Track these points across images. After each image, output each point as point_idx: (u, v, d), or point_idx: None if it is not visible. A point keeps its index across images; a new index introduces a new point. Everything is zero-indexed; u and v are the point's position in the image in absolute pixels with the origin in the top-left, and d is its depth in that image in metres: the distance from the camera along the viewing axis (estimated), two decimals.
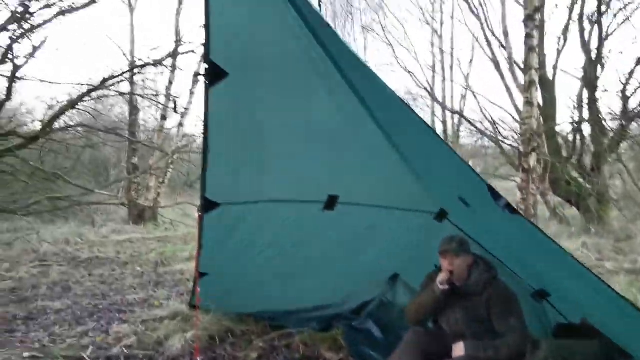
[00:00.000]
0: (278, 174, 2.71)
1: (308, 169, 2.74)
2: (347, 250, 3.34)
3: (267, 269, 3.26)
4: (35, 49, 6.52)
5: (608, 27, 10.10)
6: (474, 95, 13.21)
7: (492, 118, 12.28)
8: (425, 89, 14.20)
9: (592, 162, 10.00)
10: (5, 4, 6.43)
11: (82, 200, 8.98)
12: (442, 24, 15.27)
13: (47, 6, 6.63)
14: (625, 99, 9.79)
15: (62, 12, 6.89)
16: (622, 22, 10.07)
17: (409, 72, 13.79)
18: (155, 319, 3.51)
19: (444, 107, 14.59)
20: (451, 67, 15.20)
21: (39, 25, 6.68)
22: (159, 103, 10.97)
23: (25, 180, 7.70)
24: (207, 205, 2.69)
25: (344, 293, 3.65)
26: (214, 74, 2.14)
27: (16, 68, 6.48)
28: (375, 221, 3.21)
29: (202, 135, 2.41)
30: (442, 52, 15.15)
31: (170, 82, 11.61)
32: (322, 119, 2.56)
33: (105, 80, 7.56)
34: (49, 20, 6.69)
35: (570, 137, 10.96)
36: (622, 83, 9.86)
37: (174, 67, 10.80)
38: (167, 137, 13.10)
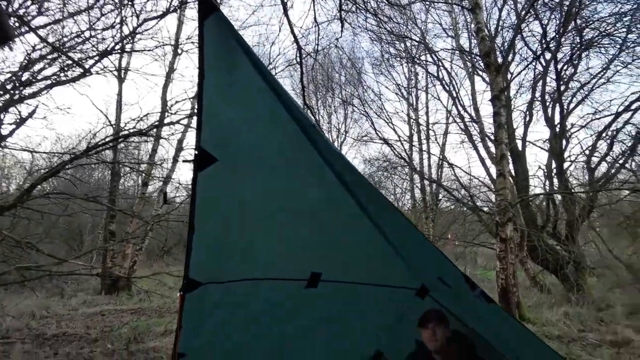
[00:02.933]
0: (261, 253, 2.75)
1: (291, 248, 2.79)
2: (330, 328, 3.28)
3: (248, 348, 3.16)
4: (22, 119, 6.61)
5: (569, 104, 10.98)
6: (450, 166, 13.78)
7: (468, 186, 12.72)
8: (404, 158, 14.77)
9: (566, 230, 10.31)
10: None
11: (54, 270, 8.60)
12: (417, 98, 16.27)
13: (41, 79, 6.83)
14: (590, 170, 10.38)
15: (55, 84, 7.10)
16: (580, 101, 10.97)
17: (388, 143, 14.41)
18: None
19: (422, 176, 15.09)
20: (427, 139, 15.97)
21: (30, 96, 6.84)
22: (142, 171, 11.01)
23: None
24: (189, 285, 2.66)
25: None
26: (203, 160, 2.24)
27: (1, 138, 6.52)
28: (357, 297, 3.20)
29: (189, 218, 2.46)
30: (418, 123, 15.99)
31: (154, 150, 11.78)
32: (304, 200, 2.66)
33: (89, 149, 7.63)
34: (39, 93, 6.86)
35: (544, 206, 11.38)
36: (586, 155, 10.52)
37: (158, 137, 11.01)
38: (147, 203, 13.00)
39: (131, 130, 8.72)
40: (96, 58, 7.90)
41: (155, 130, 10.01)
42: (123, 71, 11.54)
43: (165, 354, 4.80)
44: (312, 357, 3.36)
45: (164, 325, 6.49)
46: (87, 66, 7.68)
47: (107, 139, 8.28)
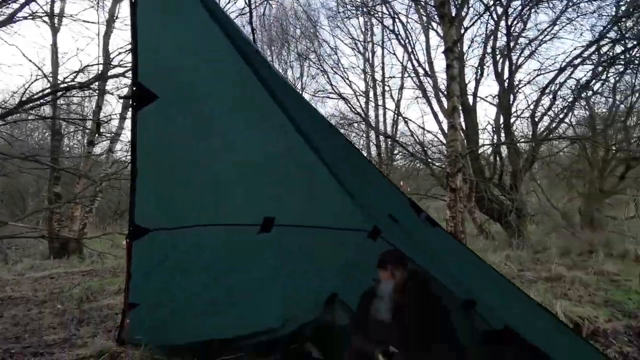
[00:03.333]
0: (211, 198, 2.69)
1: (242, 192, 2.75)
2: (284, 273, 3.34)
3: (201, 296, 3.16)
4: None
5: (517, 59, 11.31)
6: (405, 121, 14.02)
7: (421, 141, 13.05)
8: (360, 114, 14.80)
9: (511, 181, 10.93)
10: None
11: None
12: (373, 53, 16.13)
13: None
14: (534, 124, 10.92)
15: None
16: (528, 57, 11.32)
17: (344, 98, 14.33)
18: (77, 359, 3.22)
19: (377, 131, 15.26)
20: (383, 94, 16.04)
21: None
22: (85, 128, 10.33)
23: None
24: (136, 232, 2.58)
25: (282, 317, 3.61)
26: (142, 97, 2.11)
27: None
28: (311, 242, 3.24)
29: (130, 159, 2.34)
30: (374, 79, 15.96)
31: (99, 107, 11.03)
32: (255, 143, 2.59)
33: (23, 103, 7.02)
34: None
35: (491, 159, 11.96)
36: (531, 110, 11.02)
37: (102, 91, 10.29)
38: (95, 164, 12.34)
39: (70, 83, 8.09)
40: (22, 1, 7.13)
41: (98, 83, 9.36)
42: (57, 18, 10.50)
43: (119, 310, 4.71)
44: (268, 302, 3.43)
45: (119, 284, 6.34)
46: (12, 10, 6.93)
47: (43, 93, 7.64)
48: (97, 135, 10.23)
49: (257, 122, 2.47)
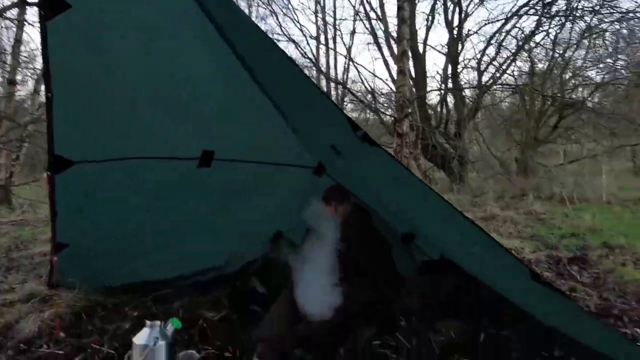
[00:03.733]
0: (143, 127, 2.46)
1: (178, 123, 2.54)
2: (227, 211, 3.22)
3: (138, 235, 3.01)
4: None
5: (467, 6, 11.34)
6: (355, 67, 13.82)
7: (372, 88, 13.02)
8: (310, 59, 14.40)
9: (455, 129, 11.32)
10: None
11: None
12: None
13: None
14: (479, 72, 11.20)
15: None
16: (478, 4, 11.37)
17: (294, 42, 13.80)
18: (4, 304, 3.02)
19: (328, 78, 14.99)
20: (334, 39, 15.61)
21: None
22: (4, 63, 9.22)
23: None
24: (58, 164, 2.34)
25: (225, 256, 3.54)
26: (51, 3, 1.82)
27: None
28: (254, 178, 3.14)
29: (44, 81, 2.07)
30: (325, 22, 15.43)
31: (18, 41, 9.81)
32: (191, 68, 2.38)
33: None
34: None
35: (438, 108, 12.24)
36: (477, 59, 11.25)
37: (21, 22, 9.11)
38: (20, 107, 11.21)
39: None
40: None
41: (17, 13, 8.27)
42: None
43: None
44: (211, 241, 3.34)
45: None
46: None
47: None
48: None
49: (190, 43, 2.24)
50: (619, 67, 11.44)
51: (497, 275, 2.23)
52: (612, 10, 9.80)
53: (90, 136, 2.36)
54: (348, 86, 14.12)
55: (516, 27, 10.82)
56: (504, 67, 11.42)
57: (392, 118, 11.72)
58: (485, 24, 11.52)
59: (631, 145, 12.32)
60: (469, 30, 11.74)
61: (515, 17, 10.52)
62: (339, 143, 2.08)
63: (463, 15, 11.23)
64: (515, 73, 12.49)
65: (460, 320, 2.46)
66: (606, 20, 10.11)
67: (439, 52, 12.07)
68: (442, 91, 11.06)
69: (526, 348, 2.25)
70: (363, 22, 13.07)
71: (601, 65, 11.75)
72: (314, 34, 15.67)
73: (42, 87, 10.82)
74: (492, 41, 11.05)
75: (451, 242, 2.58)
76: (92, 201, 2.67)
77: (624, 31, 10.74)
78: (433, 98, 12.26)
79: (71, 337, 2.52)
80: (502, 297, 2.24)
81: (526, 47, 11.24)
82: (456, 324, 2.43)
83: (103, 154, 2.48)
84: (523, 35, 10.71)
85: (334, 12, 15.70)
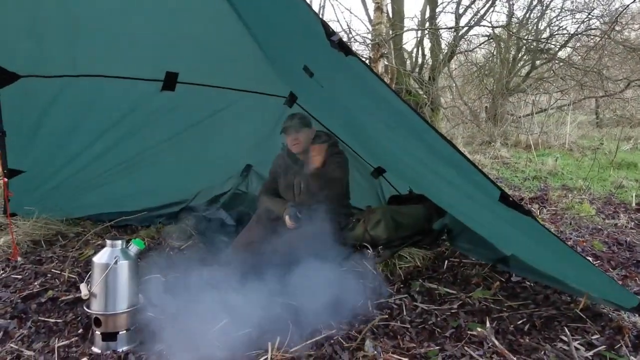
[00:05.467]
0: (99, 41, 2.23)
1: (138, 38, 2.31)
2: (194, 140, 3.06)
3: (100, 162, 2.86)
4: None
5: None
6: (331, 4, 13.16)
7: (348, 26, 12.53)
8: None
9: (430, 74, 11.19)
10: None
11: None
12: None
13: None
14: (457, 16, 10.93)
15: None
16: None
17: None
18: None
19: None
20: None
21: None
22: None
23: None
24: (1, 76, 2.12)
25: (194, 189, 3.45)
26: None
27: None
28: (223, 105, 2.98)
29: None
30: None
31: None
32: None
33: None
34: None
35: (414, 52, 12.01)
36: (455, 2, 10.93)
37: None
38: None
39: None
40: None
41: None
42: None
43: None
44: (179, 172, 3.22)
45: None
46: None
47: None
48: None
49: None
50: (593, 16, 11.42)
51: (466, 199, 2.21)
52: None
53: (37, 49, 2.12)
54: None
55: None
56: (481, 12, 11.18)
57: (368, 58, 11.44)
58: None
59: (596, 97, 12.64)
60: None
61: None
62: (313, 58, 1.94)
63: None
64: (494, 21, 12.29)
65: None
66: None
67: None
68: (419, 31, 10.78)
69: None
70: None
71: (577, 16, 11.70)
72: None
73: None
74: None
75: (418, 175, 2.49)
76: (44, 122, 2.47)
77: None
78: (409, 41, 11.98)
79: (30, 264, 2.43)
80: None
81: None
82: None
83: (53, 69, 2.26)
84: None
85: None
